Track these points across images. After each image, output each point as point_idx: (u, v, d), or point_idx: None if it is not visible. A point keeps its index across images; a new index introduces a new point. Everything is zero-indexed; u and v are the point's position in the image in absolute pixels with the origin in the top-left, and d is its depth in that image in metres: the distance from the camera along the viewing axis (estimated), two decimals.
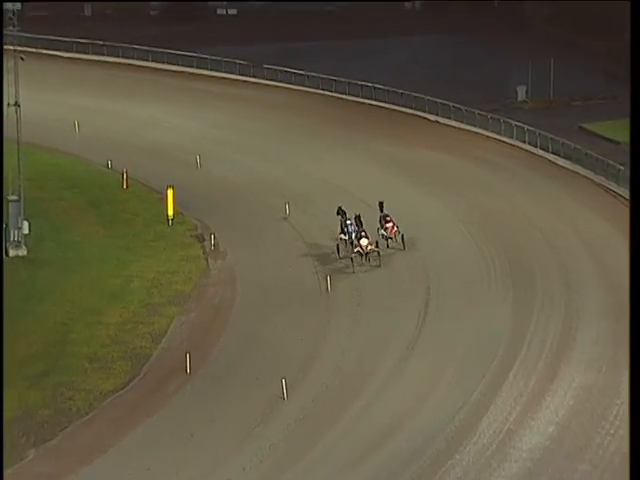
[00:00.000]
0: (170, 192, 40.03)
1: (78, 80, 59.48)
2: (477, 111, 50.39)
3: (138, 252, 37.21)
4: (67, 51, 65.68)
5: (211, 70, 61.61)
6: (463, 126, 50.63)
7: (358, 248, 35.24)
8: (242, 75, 60.34)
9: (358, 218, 36.15)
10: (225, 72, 60.97)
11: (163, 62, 63.33)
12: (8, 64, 36.46)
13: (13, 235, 36.08)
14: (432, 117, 52.29)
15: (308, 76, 57.60)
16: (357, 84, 55.56)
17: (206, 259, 37.05)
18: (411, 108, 53.13)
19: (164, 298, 33.60)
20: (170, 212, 39.98)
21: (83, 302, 33.02)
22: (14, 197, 36.41)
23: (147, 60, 63.78)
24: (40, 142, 47.44)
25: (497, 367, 28.64)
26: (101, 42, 65.46)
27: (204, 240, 38.61)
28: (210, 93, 57.52)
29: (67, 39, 65.63)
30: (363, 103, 54.95)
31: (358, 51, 67.68)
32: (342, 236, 36.34)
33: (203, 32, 75.68)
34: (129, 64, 63.87)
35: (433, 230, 38.72)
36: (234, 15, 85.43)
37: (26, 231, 36.43)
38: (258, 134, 50.73)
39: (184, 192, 41.41)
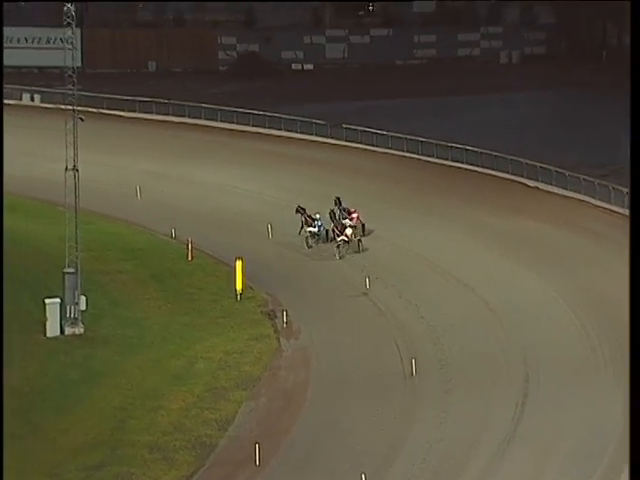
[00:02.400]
0: (239, 264, 40.62)
1: (141, 142, 60.91)
2: (582, 176, 49.87)
3: (203, 330, 37.73)
4: (130, 110, 67.39)
5: (285, 130, 62.57)
6: (567, 193, 50.08)
7: (343, 237, 44.34)
8: (319, 136, 61.14)
9: (333, 212, 45.55)
10: (301, 133, 61.88)
11: (233, 122, 64.56)
12: (67, 125, 37.57)
13: (69, 311, 36.90)
14: (531, 183, 51.98)
15: (392, 137, 58.11)
16: (446, 145, 55.62)
17: (277, 338, 37.42)
18: (507, 172, 52.90)
19: (231, 381, 33.98)
20: (239, 286, 40.54)
21: (143, 385, 33.52)
22: (71, 270, 37.25)
23: (215, 120, 65.10)
24: (99, 209, 48.70)
25: (607, 467, 28.22)
26: (166, 101, 67.09)
27: (275, 317, 39.02)
28: (284, 156, 58.36)
29: (130, 98, 67.41)
30: (452, 167, 55.00)
31: (447, 109, 68.11)
32: (311, 229, 45.55)
33: (277, 89, 77.07)
34: (196, 124, 65.25)
35: (532, 308, 38.57)
36: (310, 70, 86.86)
37: (83, 307, 37.20)
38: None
39: (254, 264, 42.03)
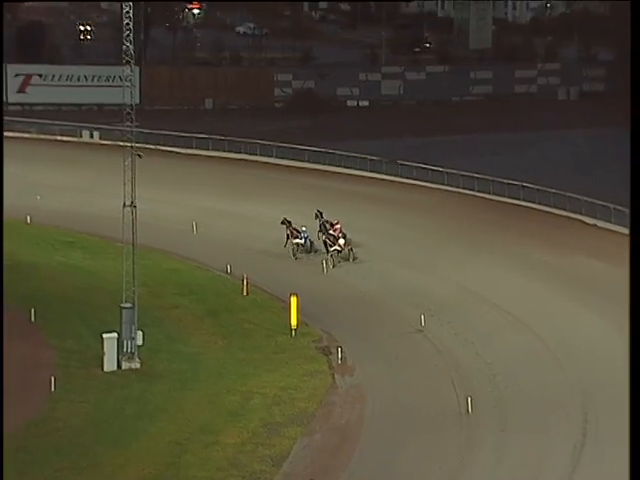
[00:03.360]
0: (294, 300, 40.78)
1: (197, 178, 61.53)
2: None
3: (258, 366, 37.91)
4: (186, 147, 68.16)
5: (341, 167, 62.87)
6: (625, 231, 49.63)
7: (336, 247, 47.98)
8: (375, 172, 61.37)
9: (324, 225, 49.04)
10: (356, 169, 62.16)
11: (288, 158, 65.00)
12: (125, 162, 38.09)
13: (126, 346, 37.27)
14: (589, 220, 51.58)
15: (447, 173, 58.18)
16: (502, 182, 55.51)
17: (332, 374, 37.48)
18: (564, 210, 52.63)
19: (286, 417, 34.07)
20: (294, 322, 40.70)
21: (199, 420, 33.72)
22: (128, 304, 37.63)
23: (271, 156, 65.61)
24: (156, 245, 49.21)
25: None
26: (222, 137, 67.76)
27: (330, 353, 39.09)
28: (339, 191, 58.60)
29: (187, 134, 68.18)
30: (509, 203, 54.82)
31: (503, 145, 68.07)
32: (297, 240, 49.34)
33: (332, 126, 77.53)
34: (252, 161, 65.78)
35: (590, 345, 38.25)
36: (366, 107, 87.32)
37: (140, 342, 37.55)
38: (392, 237, 51.37)
39: (309, 300, 42.21)
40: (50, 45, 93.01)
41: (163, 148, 66.74)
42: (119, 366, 37.04)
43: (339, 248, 48.21)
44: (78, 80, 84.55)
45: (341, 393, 36.05)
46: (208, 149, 67.63)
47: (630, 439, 19.66)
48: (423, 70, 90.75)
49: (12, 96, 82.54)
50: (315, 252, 49.21)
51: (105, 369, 36.83)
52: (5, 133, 66.01)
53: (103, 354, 36.90)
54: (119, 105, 39.59)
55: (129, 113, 38.10)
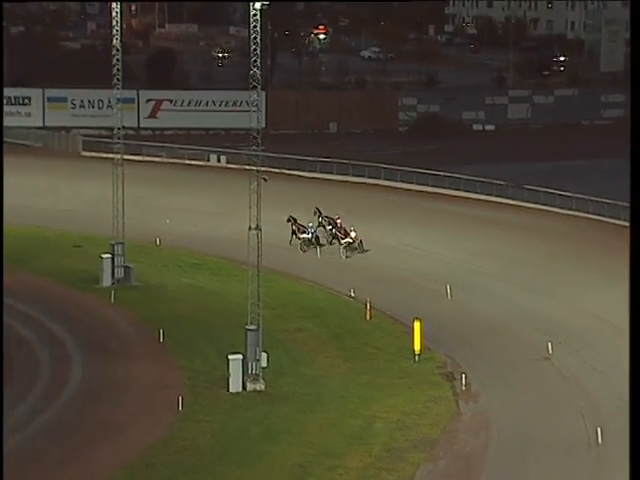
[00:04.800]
0: (417, 325, 40.57)
1: (320, 202, 61.80)
2: None
3: (381, 390, 37.81)
4: (310, 170, 68.73)
5: (465, 191, 62.57)
6: None
7: (348, 239, 52.10)
8: (500, 197, 60.88)
9: (333, 220, 52.68)
10: (481, 193, 61.77)
11: (412, 182, 64.98)
12: (251, 185, 38.54)
13: (251, 368, 37.60)
14: None
15: (575, 198, 57.35)
16: None
17: (456, 401, 37.16)
18: None
19: (409, 442, 33.87)
20: (417, 347, 40.50)
21: (322, 443, 33.76)
22: (253, 326, 37.98)
23: (395, 180, 65.68)
24: (281, 268, 49.63)
25: None
26: (346, 161, 68.12)
27: (454, 379, 38.78)
28: (464, 216, 58.27)
29: (311, 158, 68.72)
30: None
31: None
32: (304, 235, 52.87)
33: (457, 150, 77.17)
34: (375, 184, 65.96)
35: None
36: (491, 131, 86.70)
37: (264, 364, 37.87)
38: (518, 262, 50.81)
39: (432, 325, 41.96)
40: (180, 71, 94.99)
41: (287, 172, 67.43)
42: (244, 387, 37.39)
43: (351, 240, 52.14)
44: (206, 105, 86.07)
45: (465, 420, 35.70)
46: (332, 172, 68.05)
47: (630, 439, 19.24)
48: (551, 93, 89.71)
49: (144, 121, 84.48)
50: (321, 246, 52.99)
51: (230, 390, 37.22)
52: (136, 157, 67.83)
53: (229, 375, 37.32)
54: (246, 129, 40.11)
55: (255, 137, 38.47)
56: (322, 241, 53.65)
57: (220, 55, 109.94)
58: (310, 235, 53.14)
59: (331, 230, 53.26)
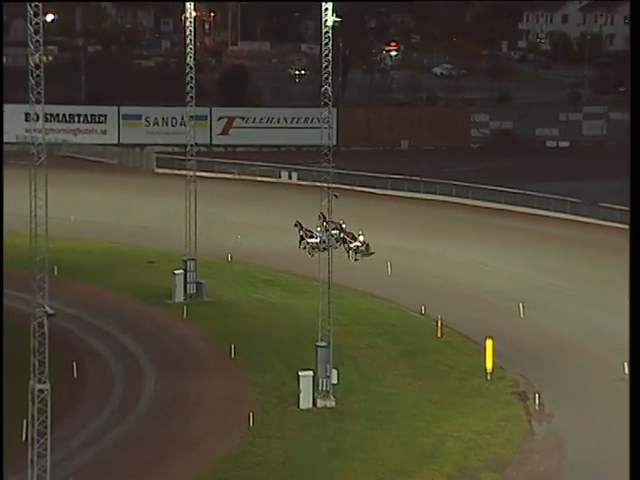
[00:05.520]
0: (489, 343, 40.25)
1: (391, 219, 61.87)
2: None
3: (453, 408, 37.56)
4: (381, 187, 68.70)
5: (538, 209, 62.09)
6: None
7: (357, 243, 53.08)
8: (574, 214, 60.30)
9: (340, 226, 52.15)
10: (554, 211, 61.23)
11: (484, 199, 64.65)
12: (322, 202, 38.66)
13: (322, 384, 37.60)
14: None
15: None
16: None
17: (529, 420, 36.77)
18: None
19: (481, 462, 33.57)
20: (489, 365, 40.18)
21: (393, 461, 33.59)
22: (323, 343, 37.99)
23: (467, 197, 65.39)
24: (351, 284, 49.65)
25: None
26: (417, 178, 67.99)
27: (527, 399, 38.38)
28: (537, 234, 57.80)
29: (382, 175, 68.70)
30: None
31: None
32: (312, 240, 53.02)
33: (530, 167, 76.56)
34: (446, 201, 65.71)
35: None
36: (565, 148, 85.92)
37: (335, 380, 37.82)
38: (592, 280, 50.23)
39: (504, 343, 41.62)
40: (252, 88, 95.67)
41: (358, 188, 67.48)
42: (314, 404, 37.39)
43: (359, 244, 53.19)
44: (278, 122, 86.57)
45: (538, 440, 35.30)
46: (403, 189, 67.95)
47: (630, 439, 18.92)
48: (628, 110, 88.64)
49: (216, 138, 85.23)
50: (327, 249, 52.82)
51: (301, 406, 37.24)
52: (209, 174, 68.39)
53: (299, 391, 37.35)
54: (317, 146, 40.27)
55: (326, 154, 38.55)
56: (331, 244, 54.29)
57: (296, 72, 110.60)
58: (318, 239, 52.75)
59: (338, 234, 53.15)
